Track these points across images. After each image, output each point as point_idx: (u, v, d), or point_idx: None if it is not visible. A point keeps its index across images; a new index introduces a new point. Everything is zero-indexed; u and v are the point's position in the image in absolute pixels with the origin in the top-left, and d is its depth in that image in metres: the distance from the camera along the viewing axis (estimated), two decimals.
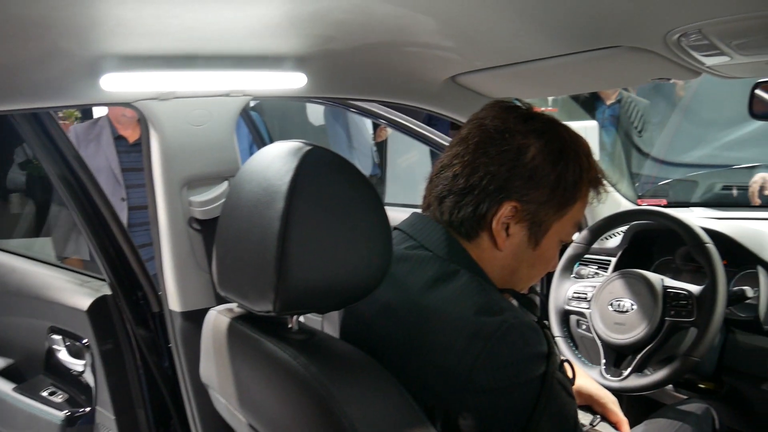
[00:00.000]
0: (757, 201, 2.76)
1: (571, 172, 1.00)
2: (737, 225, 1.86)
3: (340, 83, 1.50)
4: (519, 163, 0.98)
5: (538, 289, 2.22)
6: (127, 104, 1.29)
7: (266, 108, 4.27)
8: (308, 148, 0.86)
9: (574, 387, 1.03)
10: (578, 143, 1.04)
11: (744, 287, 1.69)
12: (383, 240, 0.89)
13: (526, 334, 0.90)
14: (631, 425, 1.44)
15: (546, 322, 1.86)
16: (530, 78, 1.46)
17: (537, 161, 0.98)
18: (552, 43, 1.21)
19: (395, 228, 1.08)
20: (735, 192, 2.79)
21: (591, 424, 1.37)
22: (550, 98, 4.66)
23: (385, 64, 1.41)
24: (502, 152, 0.98)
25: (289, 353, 0.87)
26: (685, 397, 1.86)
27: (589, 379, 1.46)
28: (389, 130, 4.87)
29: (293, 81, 1.35)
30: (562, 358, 1.00)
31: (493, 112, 1.03)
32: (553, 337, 1.80)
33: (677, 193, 2.95)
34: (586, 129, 3.28)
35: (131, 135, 2.99)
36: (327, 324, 1.15)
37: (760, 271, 1.71)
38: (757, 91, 1.40)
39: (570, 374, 1.03)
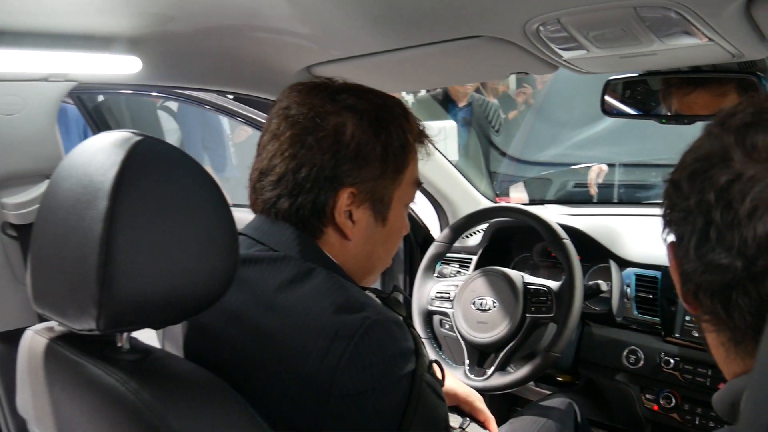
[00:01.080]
0: (595, 189, 2.93)
1: (395, 137, 0.96)
2: (590, 221, 1.92)
3: (181, 70, 1.35)
4: (341, 146, 0.92)
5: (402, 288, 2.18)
6: None
7: (115, 105, 4.00)
8: (138, 138, 0.74)
9: (443, 386, 0.99)
10: (393, 104, 0.99)
11: (598, 281, 1.74)
12: (228, 242, 0.79)
13: (391, 329, 0.84)
14: (498, 422, 1.43)
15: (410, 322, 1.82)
16: (391, 70, 1.40)
17: (358, 137, 0.92)
18: (411, 31, 1.16)
19: (240, 233, 0.99)
20: (585, 189, 2.93)
21: (461, 427, 1.34)
22: (410, 100, 4.71)
23: (232, 50, 1.29)
24: (320, 139, 0.91)
25: (117, 377, 0.74)
26: (546, 391, 1.89)
27: (454, 379, 1.44)
28: (250, 130, 4.72)
29: (125, 65, 1.19)
30: (430, 358, 0.95)
31: (296, 99, 0.95)
32: (420, 337, 1.77)
33: (533, 191, 3.05)
34: (445, 129, 3.31)
35: None
36: (168, 341, 1.02)
37: (612, 265, 1.76)
38: (609, 88, 1.42)
39: (439, 375, 0.98)
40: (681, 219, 0.63)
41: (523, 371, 1.59)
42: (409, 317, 1.84)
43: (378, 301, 0.97)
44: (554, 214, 2.00)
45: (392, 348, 0.84)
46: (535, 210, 1.74)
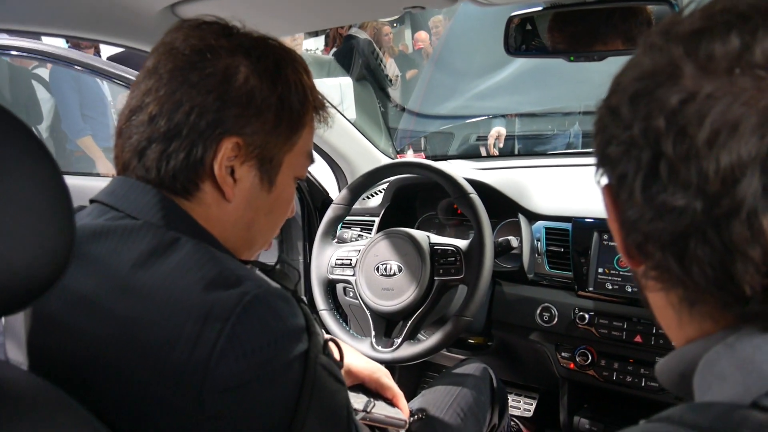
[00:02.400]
0: (495, 152, 2.86)
1: (294, 91, 0.83)
2: (496, 175, 1.82)
3: (7, 7, 1.10)
4: (230, 88, 0.78)
5: (300, 259, 2.03)
6: None
7: None
8: None
9: (342, 368, 0.86)
10: (295, 58, 0.86)
11: (508, 237, 1.64)
12: (56, 213, 0.60)
13: (275, 305, 0.71)
14: (409, 393, 1.32)
15: (304, 298, 1.67)
16: (269, 7, 1.21)
17: (252, 83, 0.79)
18: None
19: (92, 200, 0.82)
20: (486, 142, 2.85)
21: (365, 409, 1.20)
22: None
23: None
24: (206, 77, 0.77)
25: None
26: (458, 356, 1.80)
27: (357, 354, 1.30)
28: None
29: None
30: (326, 337, 0.81)
31: (184, 32, 0.80)
32: (315, 312, 1.62)
33: (435, 147, 2.93)
34: (341, 86, 3.14)
35: None
36: (9, 338, 0.82)
37: (521, 219, 1.67)
38: (511, 25, 1.30)
39: (336, 355, 0.85)
40: (621, 154, 0.50)
41: (433, 339, 1.47)
42: (308, 288, 1.69)
43: (261, 274, 0.82)
44: (459, 169, 1.89)
45: (278, 327, 0.70)
46: (439, 165, 1.61)
